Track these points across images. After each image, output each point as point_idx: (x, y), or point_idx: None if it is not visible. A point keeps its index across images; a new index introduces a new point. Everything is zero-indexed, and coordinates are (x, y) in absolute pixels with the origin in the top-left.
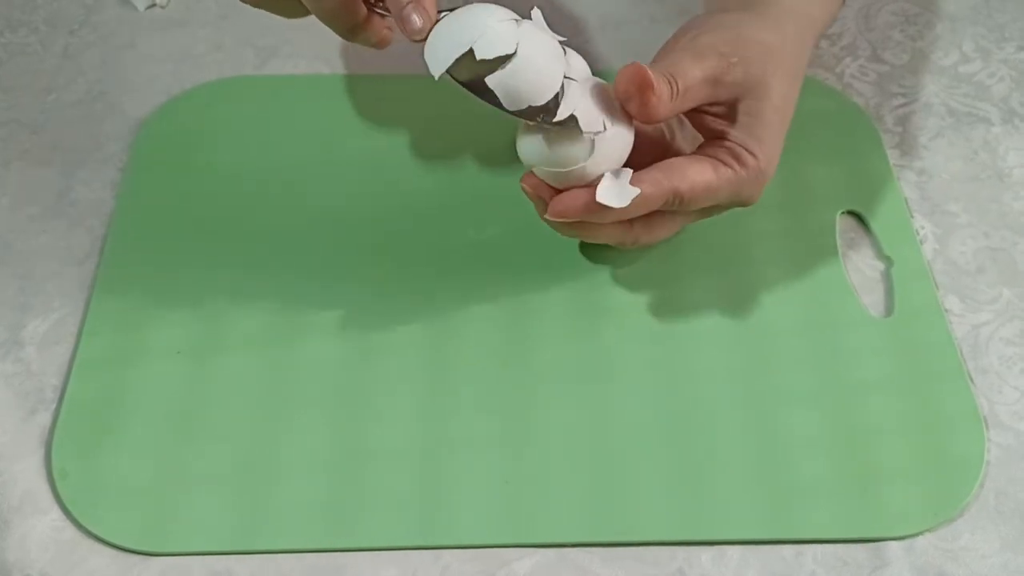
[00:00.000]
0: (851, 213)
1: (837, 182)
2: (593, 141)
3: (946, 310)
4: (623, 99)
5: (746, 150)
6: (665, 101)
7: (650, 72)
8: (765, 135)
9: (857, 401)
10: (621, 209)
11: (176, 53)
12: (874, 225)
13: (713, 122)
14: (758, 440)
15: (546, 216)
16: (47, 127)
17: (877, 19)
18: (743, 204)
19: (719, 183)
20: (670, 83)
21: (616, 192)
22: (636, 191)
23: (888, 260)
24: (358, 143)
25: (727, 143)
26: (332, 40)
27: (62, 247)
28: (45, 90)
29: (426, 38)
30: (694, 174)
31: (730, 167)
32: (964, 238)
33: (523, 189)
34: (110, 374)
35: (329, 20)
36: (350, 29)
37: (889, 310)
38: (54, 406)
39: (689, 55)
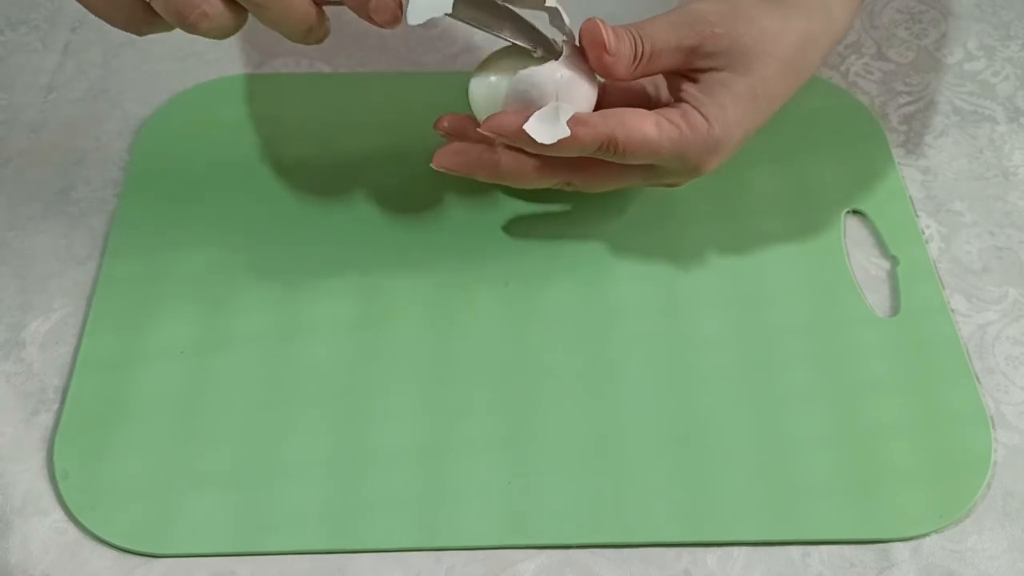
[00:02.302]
0: (856, 212)
1: (842, 181)
2: (557, 81)
3: (952, 309)
4: (586, 51)
5: (700, 113)
6: (624, 62)
7: (605, 31)
8: (729, 106)
9: (863, 401)
10: (550, 145)
11: (177, 51)
12: (879, 224)
13: (684, 84)
14: (764, 440)
15: (479, 130)
16: (48, 125)
17: (882, 17)
18: (690, 172)
19: (659, 139)
20: (635, 45)
21: (546, 128)
22: (565, 132)
23: (893, 259)
24: (360, 141)
25: (682, 104)
26: (333, 39)
27: (63, 246)
28: (46, 88)
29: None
30: (634, 124)
31: (676, 126)
32: (970, 237)
33: (483, 133)
34: (112, 374)
35: (284, 25)
36: (307, 31)
37: (895, 309)
38: (56, 407)
39: (670, 20)
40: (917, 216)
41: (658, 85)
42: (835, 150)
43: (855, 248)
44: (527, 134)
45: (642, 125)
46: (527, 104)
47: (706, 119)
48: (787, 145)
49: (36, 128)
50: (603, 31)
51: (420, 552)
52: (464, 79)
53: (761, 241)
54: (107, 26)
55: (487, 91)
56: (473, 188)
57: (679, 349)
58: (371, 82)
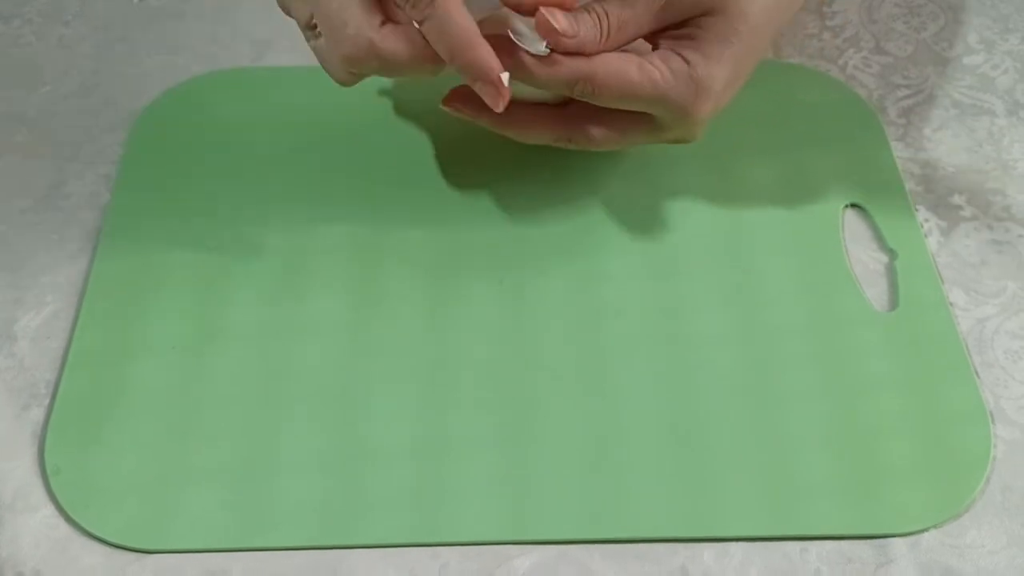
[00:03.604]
0: (854, 206)
1: (840, 175)
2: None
3: (951, 303)
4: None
5: (679, 55)
6: (590, 39)
7: (555, 18)
8: (708, 46)
9: (861, 396)
10: (537, 73)
11: (171, 45)
12: (878, 218)
13: (660, 39)
14: (761, 435)
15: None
16: (40, 119)
17: (880, 11)
18: (684, 119)
19: (640, 79)
20: (598, 20)
21: (529, 40)
22: (543, 48)
23: (892, 253)
24: (355, 136)
25: (666, 52)
26: None
27: (55, 241)
28: (39, 82)
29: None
30: (614, 63)
31: (657, 69)
32: (968, 231)
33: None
34: (104, 369)
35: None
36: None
37: (893, 304)
38: (47, 401)
39: None
40: (916, 210)
41: (639, 47)
42: (833, 144)
43: (853, 242)
44: (512, 39)
45: (623, 67)
46: None
47: (686, 61)
48: (785, 139)
49: (28, 122)
50: (552, 18)
51: (415, 548)
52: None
53: (759, 235)
54: (101, 20)
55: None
56: (470, 184)
57: (675, 344)
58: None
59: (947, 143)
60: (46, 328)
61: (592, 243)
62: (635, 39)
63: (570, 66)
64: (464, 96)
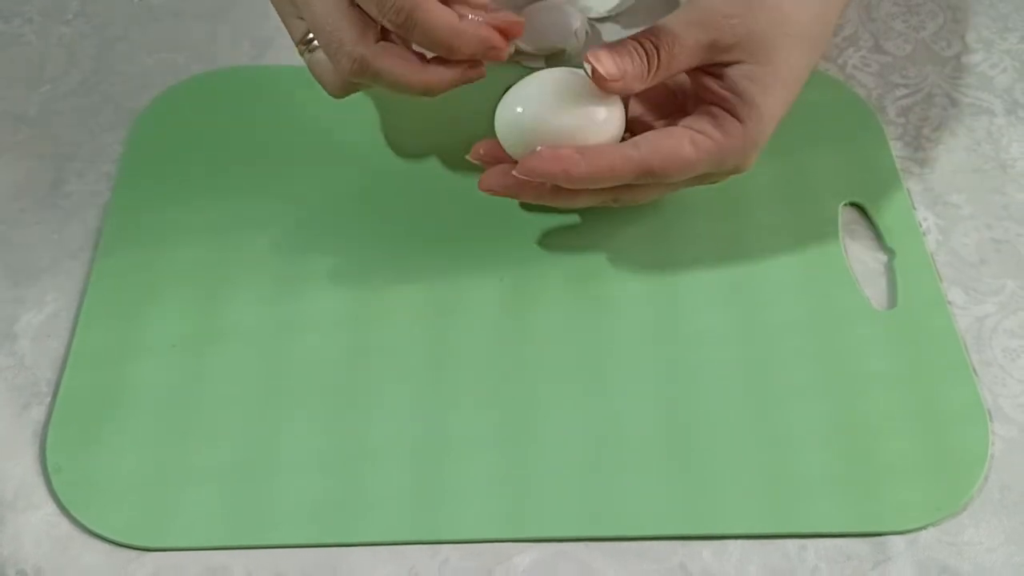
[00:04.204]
0: (853, 205)
1: (839, 174)
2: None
3: (949, 302)
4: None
5: (735, 117)
6: (636, 77)
7: (600, 62)
8: (761, 102)
9: (859, 394)
10: (589, 182)
11: (171, 44)
12: (876, 217)
13: (708, 82)
14: (760, 433)
15: (515, 173)
16: (41, 118)
17: (879, 9)
18: (732, 172)
19: (697, 157)
20: (646, 56)
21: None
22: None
23: (891, 252)
24: (355, 134)
25: (713, 108)
26: None
27: (55, 240)
28: (39, 81)
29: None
30: (669, 149)
31: (710, 138)
32: (967, 230)
33: (520, 174)
34: (105, 368)
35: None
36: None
37: (892, 302)
38: (48, 400)
39: (683, 19)
40: (914, 209)
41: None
42: (832, 143)
43: (852, 241)
44: (564, 175)
45: (678, 148)
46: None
47: (739, 120)
48: (784, 138)
49: (29, 121)
50: (598, 63)
51: (415, 546)
52: None
53: (758, 234)
54: (101, 19)
55: (513, 120)
56: (468, 185)
57: (674, 342)
58: None
59: (946, 142)
60: (47, 327)
61: (591, 241)
62: (680, 73)
63: (629, 165)
64: (500, 175)
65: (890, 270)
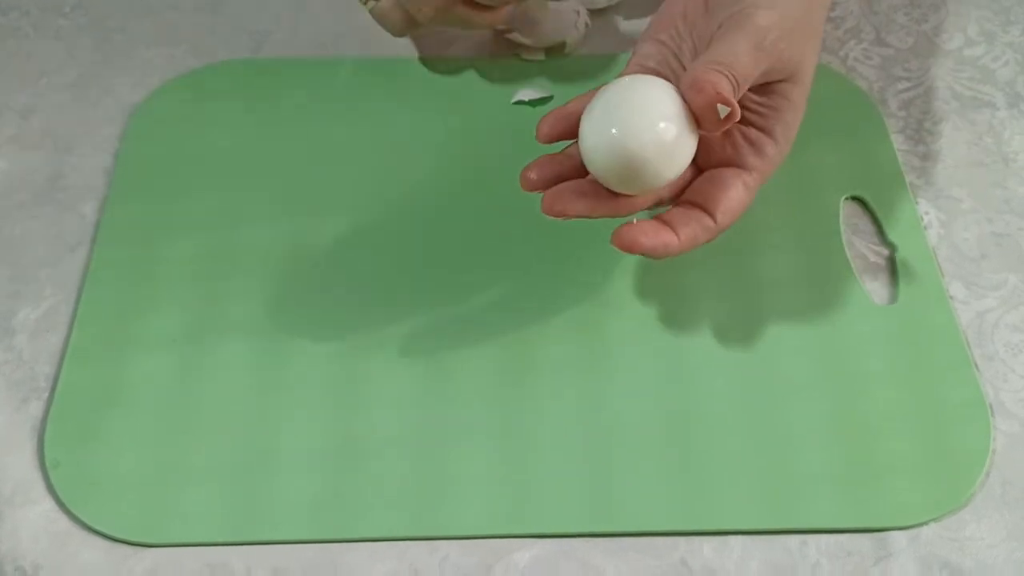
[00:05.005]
0: (855, 198)
1: (841, 167)
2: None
3: (951, 296)
4: (697, 113)
5: (771, 139)
6: (728, 92)
7: (719, 89)
8: (791, 119)
9: (861, 389)
10: (680, 253)
11: (169, 37)
12: (878, 210)
13: (748, 103)
14: (761, 429)
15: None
16: (38, 111)
17: (881, 2)
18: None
19: (750, 198)
20: (732, 84)
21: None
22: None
23: (892, 246)
24: (353, 128)
25: (752, 133)
26: (326, 24)
27: (53, 234)
28: (37, 74)
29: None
30: (736, 205)
31: (758, 172)
32: (969, 224)
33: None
34: (103, 363)
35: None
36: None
37: (893, 297)
38: (46, 395)
39: (744, 46)
40: (916, 202)
41: (678, 56)
42: (834, 136)
43: (853, 235)
44: (664, 249)
45: (739, 200)
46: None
47: (775, 142)
48: None
49: (26, 114)
50: (720, 96)
51: (414, 541)
52: (460, 65)
53: (759, 227)
54: (98, 11)
55: (608, 144)
56: (469, 176)
57: (675, 338)
58: (367, 67)
59: (947, 135)
60: (45, 321)
61: (592, 235)
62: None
63: (709, 235)
64: (573, 196)
65: (891, 264)
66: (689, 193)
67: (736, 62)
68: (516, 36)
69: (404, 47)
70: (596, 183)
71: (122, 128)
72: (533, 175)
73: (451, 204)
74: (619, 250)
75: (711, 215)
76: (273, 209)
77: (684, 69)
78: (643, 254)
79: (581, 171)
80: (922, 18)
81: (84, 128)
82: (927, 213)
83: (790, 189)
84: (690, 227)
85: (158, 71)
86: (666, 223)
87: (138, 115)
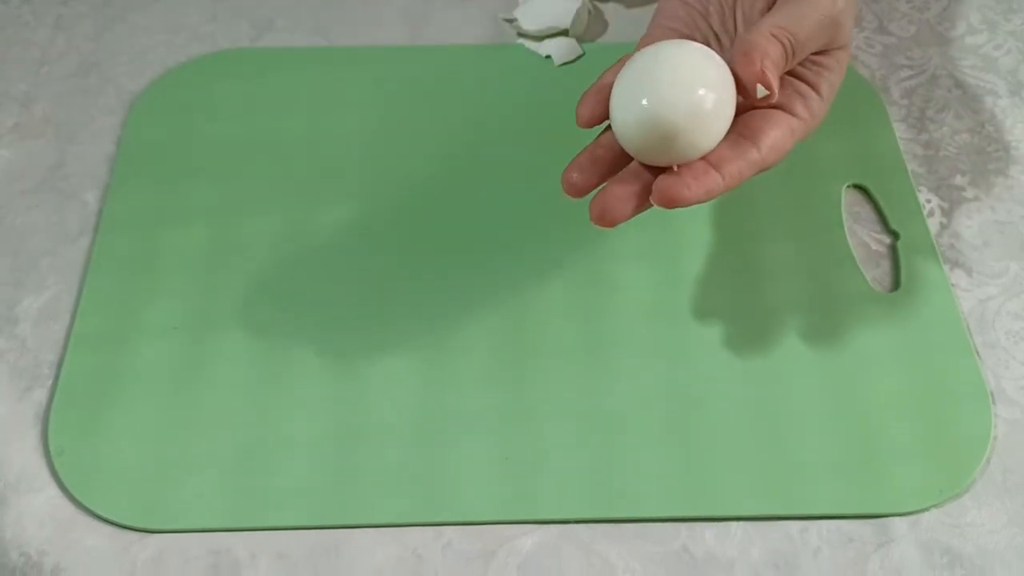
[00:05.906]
0: (857, 186)
1: (843, 155)
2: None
3: (952, 284)
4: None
5: (819, 95)
6: (777, 67)
7: (766, 62)
8: (835, 80)
9: (862, 376)
10: (727, 191)
11: (170, 25)
12: (880, 198)
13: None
14: (762, 415)
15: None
16: (39, 100)
17: None
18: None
19: (793, 143)
20: (784, 47)
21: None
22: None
23: (894, 234)
24: (354, 116)
25: (802, 87)
26: (327, 12)
27: (55, 222)
28: (37, 62)
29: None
30: (781, 143)
31: (803, 120)
32: (971, 212)
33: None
34: (106, 350)
35: None
36: None
37: (895, 284)
38: (50, 383)
39: (816, 13)
40: (918, 190)
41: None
42: (836, 124)
43: (855, 223)
44: (707, 195)
45: (784, 140)
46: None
47: (821, 98)
48: None
49: (28, 103)
50: (764, 76)
51: (417, 527)
52: (463, 51)
53: (761, 216)
54: None
55: (642, 116)
56: (472, 162)
57: (677, 323)
58: (368, 56)
59: (950, 124)
60: (48, 310)
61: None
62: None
63: (753, 170)
64: (622, 199)
65: (893, 252)
66: (734, 126)
67: (800, 32)
68: (518, 24)
69: (405, 36)
70: (640, 169)
71: (123, 117)
72: (575, 176)
73: (453, 192)
74: (658, 206)
75: (757, 148)
76: (275, 197)
77: (712, 30)
78: (683, 204)
79: (624, 158)
80: (924, 6)
81: (85, 117)
82: (929, 201)
83: (792, 177)
84: (735, 163)
85: (159, 60)
86: (710, 163)
87: (140, 104)
